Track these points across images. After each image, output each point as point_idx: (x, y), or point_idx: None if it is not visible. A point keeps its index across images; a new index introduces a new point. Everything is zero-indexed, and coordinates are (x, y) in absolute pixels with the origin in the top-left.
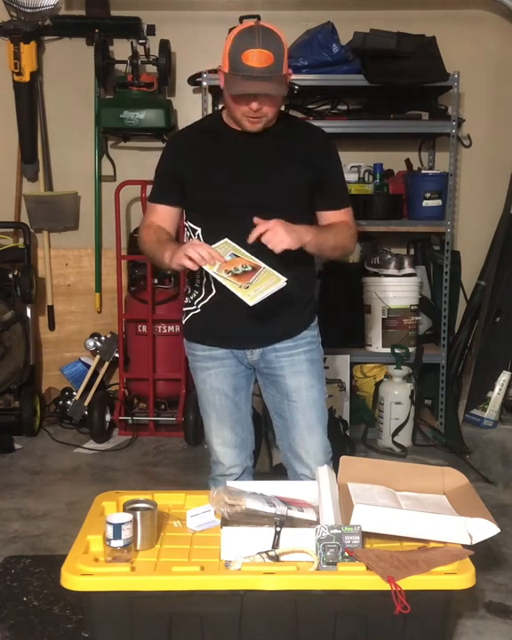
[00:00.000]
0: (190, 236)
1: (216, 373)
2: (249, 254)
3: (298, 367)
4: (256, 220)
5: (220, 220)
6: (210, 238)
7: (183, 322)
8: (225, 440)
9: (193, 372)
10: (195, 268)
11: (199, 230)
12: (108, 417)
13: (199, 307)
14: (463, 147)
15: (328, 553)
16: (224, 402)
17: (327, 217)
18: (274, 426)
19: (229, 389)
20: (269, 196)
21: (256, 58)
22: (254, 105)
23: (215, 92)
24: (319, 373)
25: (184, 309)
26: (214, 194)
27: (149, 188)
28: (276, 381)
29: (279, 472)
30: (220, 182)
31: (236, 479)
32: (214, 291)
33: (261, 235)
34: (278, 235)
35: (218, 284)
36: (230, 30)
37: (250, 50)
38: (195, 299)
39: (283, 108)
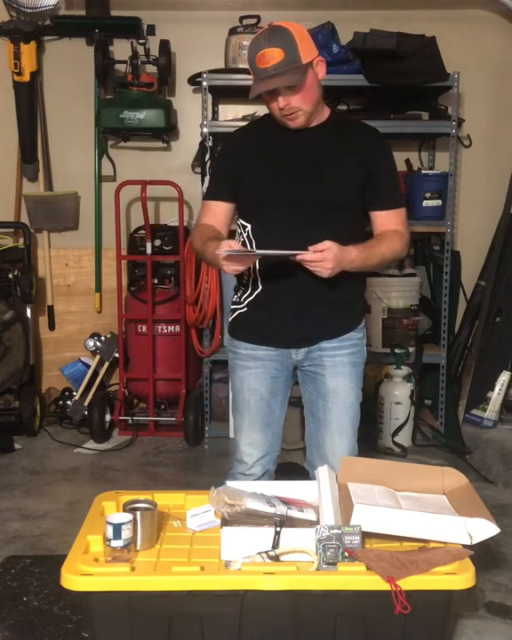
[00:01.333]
0: (240, 233)
1: (256, 374)
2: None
3: (339, 368)
4: (312, 248)
5: (271, 217)
6: (260, 235)
7: (229, 319)
8: (253, 441)
9: (231, 371)
10: (244, 269)
11: (249, 226)
12: (108, 417)
13: (246, 304)
14: (463, 147)
15: (328, 553)
16: (259, 403)
17: (379, 217)
18: (305, 423)
19: (266, 391)
20: (321, 193)
21: (266, 58)
22: (280, 101)
23: (215, 91)
24: (359, 377)
25: (231, 307)
26: (267, 190)
27: (149, 188)
28: (316, 380)
29: (279, 472)
30: (273, 179)
31: (256, 480)
32: (261, 287)
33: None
34: (324, 263)
35: (264, 279)
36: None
37: (260, 52)
38: (242, 295)
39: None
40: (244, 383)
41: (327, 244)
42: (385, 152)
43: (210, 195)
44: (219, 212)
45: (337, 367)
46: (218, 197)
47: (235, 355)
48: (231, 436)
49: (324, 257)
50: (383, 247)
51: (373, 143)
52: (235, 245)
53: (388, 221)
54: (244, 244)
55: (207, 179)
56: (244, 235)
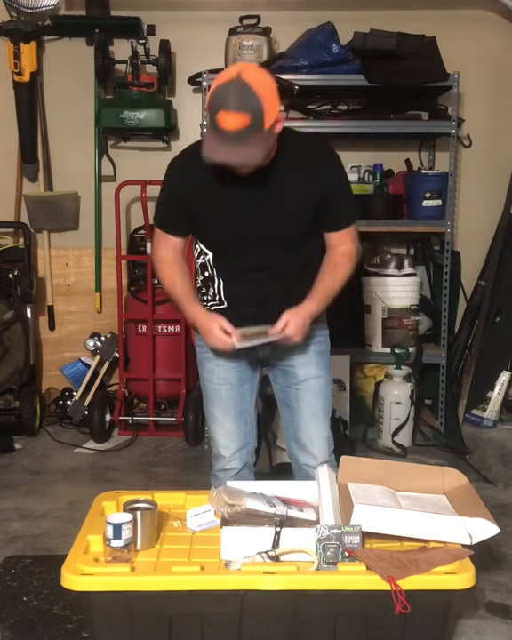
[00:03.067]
0: (200, 255)
1: (223, 364)
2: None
3: (307, 358)
4: (272, 331)
5: (232, 252)
6: (221, 263)
7: None
8: (228, 431)
9: (200, 364)
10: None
11: (210, 255)
12: (107, 417)
13: (213, 309)
14: (463, 147)
15: (328, 553)
16: (230, 392)
17: (331, 237)
18: (281, 416)
19: (236, 380)
20: (281, 232)
21: (229, 120)
22: (235, 168)
23: None
24: (327, 365)
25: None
26: (227, 233)
27: (149, 188)
28: (287, 371)
29: (279, 472)
30: (231, 222)
31: (236, 474)
32: (226, 304)
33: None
34: (292, 337)
35: (227, 297)
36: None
37: (222, 111)
38: (208, 300)
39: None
40: (214, 374)
41: (284, 319)
42: (337, 170)
43: (165, 227)
44: (177, 245)
45: (305, 357)
46: (176, 233)
47: (203, 349)
48: (207, 437)
49: (288, 334)
50: (336, 281)
51: (323, 165)
52: (236, 337)
53: (339, 240)
54: (203, 266)
55: (158, 211)
56: (205, 259)
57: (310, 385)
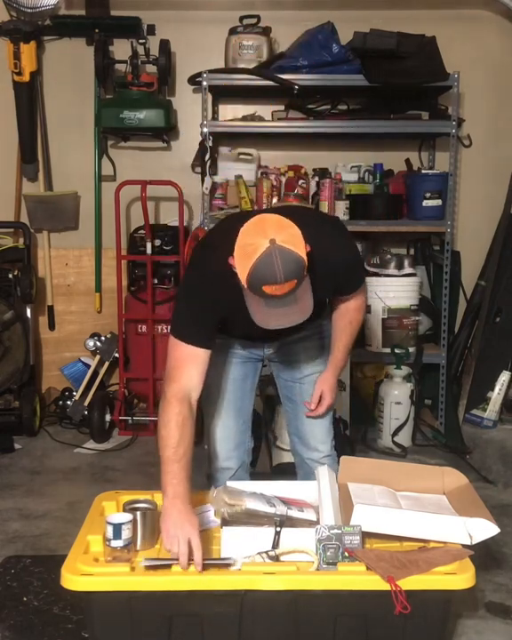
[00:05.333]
0: None
1: (227, 360)
2: None
3: (311, 352)
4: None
5: (248, 331)
6: (233, 332)
7: None
8: (226, 427)
9: None
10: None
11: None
12: (107, 417)
13: None
14: (463, 147)
15: (328, 553)
16: (231, 387)
17: (342, 299)
18: (283, 411)
19: (238, 375)
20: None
21: (279, 289)
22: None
23: (215, 91)
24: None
25: None
26: (247, 324)
27: (149, 188)
28: (291, 366)
29: (279, 472)
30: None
31: (233, 475)
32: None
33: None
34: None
35: (232, 333)
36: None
37: (270, 286)
38: None
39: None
40: (216, 369)
41: (318, 391)
42: (354, 271)
43: (198, 339)
44: (204, 361)
45: (309, 351)
46: (207, 341)
47: None
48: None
49: (325, 404)
50: (353, 335)
51: (346, 268)
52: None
53: (349, 299)
54: None
55: (184, 320)
56: None
57: (314, 379)
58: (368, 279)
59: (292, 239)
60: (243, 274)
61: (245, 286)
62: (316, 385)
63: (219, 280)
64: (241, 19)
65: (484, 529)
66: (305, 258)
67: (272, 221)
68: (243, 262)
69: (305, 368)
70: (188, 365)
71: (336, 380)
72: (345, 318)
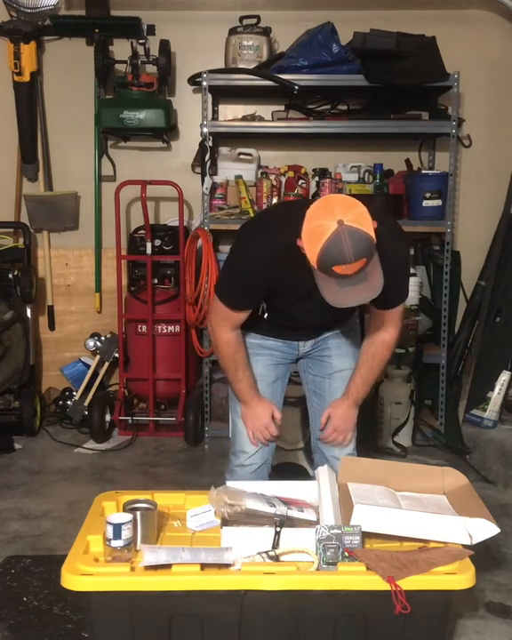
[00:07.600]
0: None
1: (262, 361)
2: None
3: (344, 349)
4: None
5: (290, 309)
6: (273, 310)
7: None
8: None
9: None
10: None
11: (265, 305)
12: (107, 417)
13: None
14: (463, 147)
15: (328, 553)
16: (263, 388)
17: (377, 315)
18: (309, 407)
19: (271, 377)
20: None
21: (349, 269)
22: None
23: (215, 91)
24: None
25: None
26: (292, 302)
27: (149, 188)
28: (322, 362)
29: (280, 472)
30: (302, 296)
31: (255, 471)
32: (265, 319)
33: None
34: (345, 434)
35: (270, 320)
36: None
37: (340, 266)
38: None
39: None
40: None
41: (331, 427)
42: (403, 269)
43: (237, 306)
44: (242, 320)
45: (341, 348)
46: (246, 308)
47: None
48: (230, 435)
49: (343, 435)
50: (373, 371)
51: (398, 257)
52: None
53: (384, 317)
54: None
55: (228, 287)
56: (260, 309)
57: (344, 376)
58: None
59: (359, 218)
60: (312, 256)
61: (315, 267)
62: (327, 408)
63: (269, 262)
64: (241, 19)
65: (484, 529)
66: (373, 236)
67: (338, 202)
68: (312, 245)
69: (336, 363)
70: (227, 324)
71: (350, 409)
72: (369, 351)
